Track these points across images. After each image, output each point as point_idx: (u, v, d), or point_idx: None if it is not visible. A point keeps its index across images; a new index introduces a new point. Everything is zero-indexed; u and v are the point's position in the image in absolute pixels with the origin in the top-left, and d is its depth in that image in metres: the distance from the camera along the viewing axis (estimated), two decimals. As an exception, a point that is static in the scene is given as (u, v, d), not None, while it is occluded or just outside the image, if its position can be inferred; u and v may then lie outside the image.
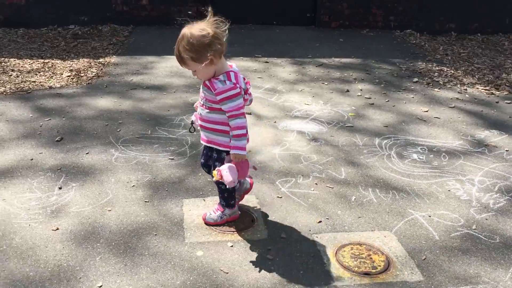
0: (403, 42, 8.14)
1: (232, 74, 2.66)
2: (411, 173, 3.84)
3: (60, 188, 3.45)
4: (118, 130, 4.42)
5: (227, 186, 2.75)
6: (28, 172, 3.65)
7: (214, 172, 2.75)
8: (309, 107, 5.13)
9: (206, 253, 2.85)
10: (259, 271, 2.72)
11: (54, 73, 6.07)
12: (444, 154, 4.18)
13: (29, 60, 6.53)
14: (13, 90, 5.39)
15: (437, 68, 6.68)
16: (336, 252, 2.91)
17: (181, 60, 2.59)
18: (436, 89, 5.81)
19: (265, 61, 6.71)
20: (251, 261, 2.80)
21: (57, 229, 3.01)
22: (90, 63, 6.48)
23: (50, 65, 6.39)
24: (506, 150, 4.28)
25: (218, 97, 2.62)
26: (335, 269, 2.77)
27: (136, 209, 3.24)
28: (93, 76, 5.93)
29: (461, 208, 3.39)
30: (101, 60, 6.63)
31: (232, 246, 2.93)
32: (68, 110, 4.83)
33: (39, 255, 2.77)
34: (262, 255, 2.86)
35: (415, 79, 6.12)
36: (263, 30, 8.48)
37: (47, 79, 5.85)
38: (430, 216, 3.28)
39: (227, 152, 2.79)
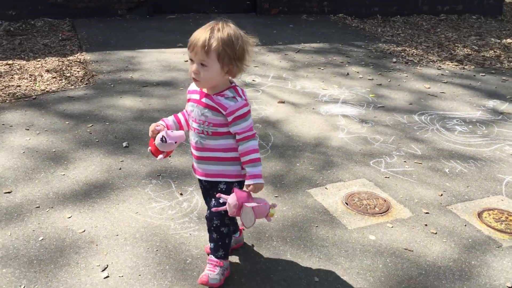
0: (346, 26, 8.66)
1: (239, 89, 2.26)
2: (469, 143, 4.27)
3: (181, 194, 3.27)
4: (175, 129, 4.22)
5: (246, 227, 2.29)
6: (131, 182, 3.38)
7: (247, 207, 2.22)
8: (328, 91, 5.33)
9: (377, 237, 2.97)
10: (437, 246, 2.91)
11: (31, 75, 5.50)
12: (478, 124, 4.69)
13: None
14: (7, 97, 4.80)
15: (398, 48, 7.28)
16: (479, 218, 3.21)
17: (204, 48, 2.09)
18: (418, 68, 6.37)
19: (244, 50, 6.72)
20: (422, 238, 2.98)
21: (222, 234, 2.88)
22: (63, 62, 5.97)
23: (18, 67, 5.77)
24: (519, 116, 4.94)
25: (230, 117, 2.19)
26: (492, 232, 3.06)
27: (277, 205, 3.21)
28: (83, 76, 5.49)
29: (535, 168, 3.90)
30: (71, 58, 6.13)
31: (392, 226, 3.08)
32: (101, 113, 4.47)
33: (234, 262, 2.67)
34: (425, 231, 3.05)
35: (393, 60, 6.63)
36: (211, 19, 8.38)
37: (30, 82, 5.28)
38: (519, 178, 3.73)
39: (238, 182, 2.37)
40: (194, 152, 2.35)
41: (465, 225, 3.12)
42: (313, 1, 9.37)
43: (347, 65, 6.28)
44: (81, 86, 5.16)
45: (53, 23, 7.82)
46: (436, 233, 3.02)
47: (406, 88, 5.55)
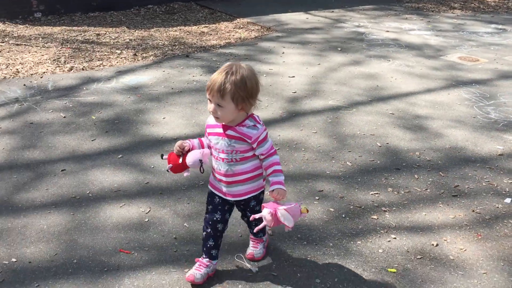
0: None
1: (256, 116, 2.56)
2: (494, 40, 8.47)
3: (393, 61, 7.26)
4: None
5: (290, 227, 2.47)
6: (366, 59, 7.32)
7: (303, 208, 2.54)
8: (406, 26, 9.37)
9: (483, 67, 7.09)
10: (508, 65, 7.09)
11: (230, 31, 9.11)
12: (493, 33, 8.94)
13: (195, 27, 9.35)
14: (238, 40, 8.44)
15: (420, 5, 11.49)
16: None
17: (220, 91, 2.36)
18: (441, 13, 10.61)
19: (322, 13, 10.67)
20: (500, 64, 7.13)
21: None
22: (236, 24, 9.53)
23: (213, 28, 9.34)
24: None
25: (255, 143, 2.51)
26: (526, 63, 7.27)
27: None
28: (261, 29, 9.16)
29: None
30: (236, 21, 9.73)
31: (485, 63, 7.21)
32: (317, 39, 8.28)
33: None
34: (499, 64, 7.20)
35: (424, 10, 10.84)
36: None
37: (237, 33, 8.91)
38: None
39: (262, 193, 2.74)
40: (224, 179, 2.61)
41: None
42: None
43: (400, 14, 10.43)
44: (272, 32, 8.88)
45: (185, 5, 11.32)
46: (504, 64, 7.18)
47: (445, 22, 9.76)
